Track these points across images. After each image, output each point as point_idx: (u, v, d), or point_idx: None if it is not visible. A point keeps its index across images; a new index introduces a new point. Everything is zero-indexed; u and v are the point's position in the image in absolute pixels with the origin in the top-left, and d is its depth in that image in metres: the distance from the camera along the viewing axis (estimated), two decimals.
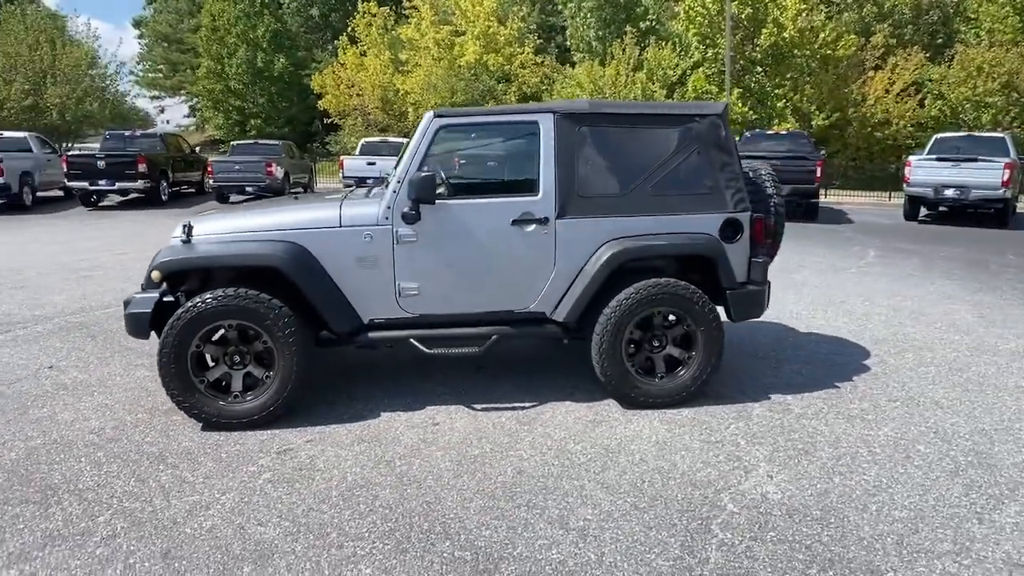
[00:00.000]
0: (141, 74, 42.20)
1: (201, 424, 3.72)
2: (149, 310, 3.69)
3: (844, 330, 5.77)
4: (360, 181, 17.04)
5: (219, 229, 3.88)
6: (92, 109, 28.12)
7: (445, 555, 2.66)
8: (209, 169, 16.83)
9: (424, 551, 2.68)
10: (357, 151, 18.76)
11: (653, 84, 23.44)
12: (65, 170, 14.97)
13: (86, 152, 16.78)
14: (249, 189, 16.13)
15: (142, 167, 15.15)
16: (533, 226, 3.93)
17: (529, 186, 3.99)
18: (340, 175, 17.67)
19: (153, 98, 41.56)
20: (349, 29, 31.58)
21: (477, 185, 4.23)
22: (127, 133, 17.44)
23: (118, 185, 15.09)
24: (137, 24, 43.97)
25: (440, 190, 3.90)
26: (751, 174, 4.54)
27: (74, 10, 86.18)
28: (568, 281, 3.98)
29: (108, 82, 30.57)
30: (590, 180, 4.00)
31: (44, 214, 14.34)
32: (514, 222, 3.91)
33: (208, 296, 3.61)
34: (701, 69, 23.45)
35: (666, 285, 3.95)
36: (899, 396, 4.26)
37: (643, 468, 3.34)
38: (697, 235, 4.06)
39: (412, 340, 3.94)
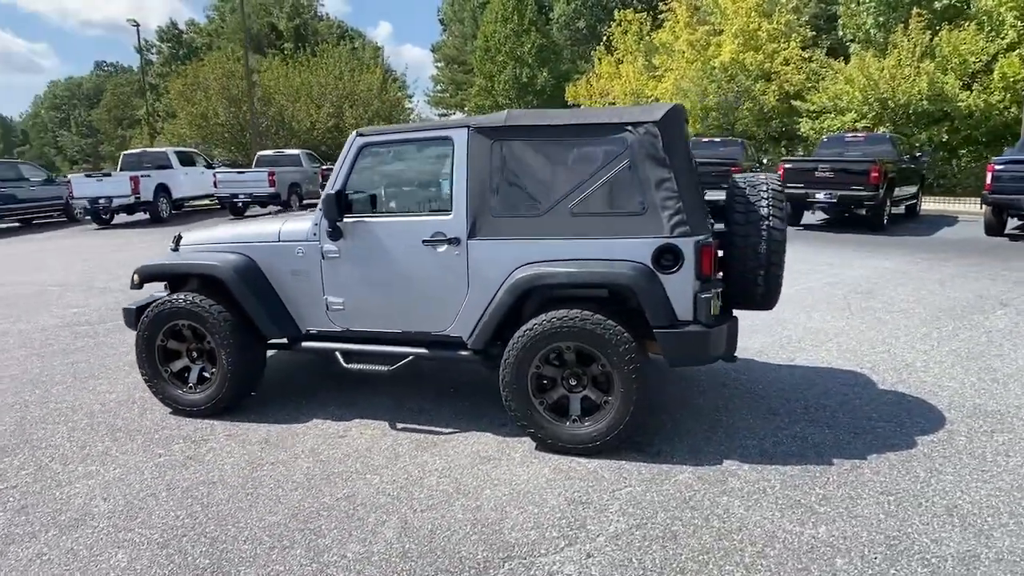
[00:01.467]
0: (431, 94, 48.04)
1: (169, 409, 4.33)
2: (134, 307, 4.39)
3: (909, 389, 4.43)
4: None
5: (196, 240, 4.45)
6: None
7: (203, 555, 2.79)
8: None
9: (185, 550, 2.84)
10: None
11: (946, 75, 19.70)
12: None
13: None
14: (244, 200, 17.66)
15: None
16: (445, 246, 3.79)
17: (443, 205, 3.86)
18: None
19: (440, 115, 46.81)
20: (605, 39, 32.26)
21: (396, 203, 4.19)
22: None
23: None
24: (434, 49, 49.99)
25: (362, 207, 3.98)
26: (747, 189, 3.79)
27: (386, 44, 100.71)
28: (483, 306, 3.75)
29: (396, 103, 35.37)
30: (505, 199, 3.72)
31: None
32: (425, 242, 3.82)
33: (166, 299, 4.19)
34: (1017, 52, 19.12)
35: (572, 318, 3.50)
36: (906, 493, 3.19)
37: (455, 516, 3.05)
38: (619, 262, 3.53)
39: (337, 352, 4.08)
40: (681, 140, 3.55)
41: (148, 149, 20.48)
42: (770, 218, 3.74)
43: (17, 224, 18.13)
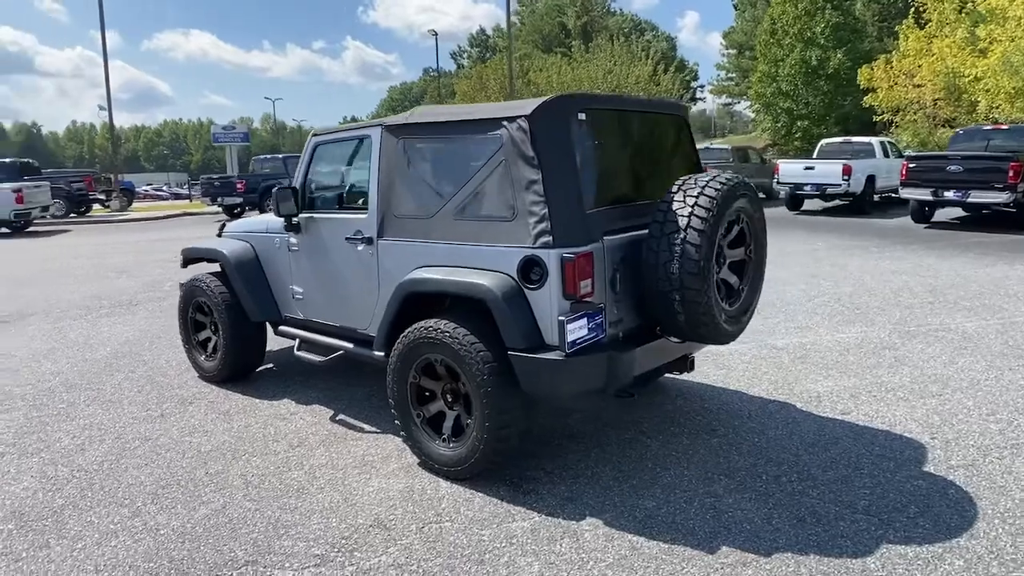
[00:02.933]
0: (715, 82, 45.80)
1: (198, 374, 5.03)
2: (181, 283, 5.14)
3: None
4: (796, 188, 15.34)
5: (233, 228, 5.04)
6: None
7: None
8: None
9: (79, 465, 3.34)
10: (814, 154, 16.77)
11: None
12: None
13: None
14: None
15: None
16: (362, 245, 3.77)
17: (364, 203, 3.83)
18: (774, 180, 16.26)
19: (724, 105, 44.51)
20: (913, 9, 27.49)
21: (335, 200, 4.19)
22: None
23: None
24: (725, 36, 47.62)
25: (323, 203, 4.14)
26: (677, 192, 3.10)
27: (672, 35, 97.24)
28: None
29: (667, 95, 34.50)
30: (407, 199, 3.56)
31: None
32: (348, 239, 3.84)
33: (192, 278, 4.85)
34: None
35: (433, 329, 3.23)
36: None
37: (262, 510, 3.05)
38: (487, 272, 3.15)
39: (298, 338, 4.33)
40: (561, 137, 3.03)
41: None
42: (686, 230, 3.00)
43: None
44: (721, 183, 3.10)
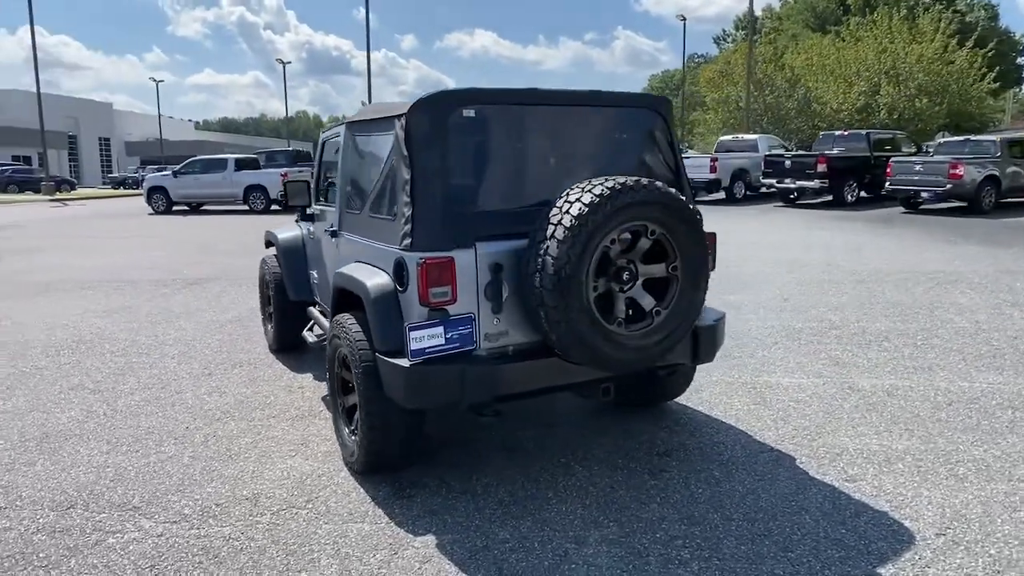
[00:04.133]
0: None
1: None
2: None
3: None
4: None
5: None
6: (922, 106, 27.80)
7: None
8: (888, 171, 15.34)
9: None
10: None
11: None
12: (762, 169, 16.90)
13: (777, 154, 17.88)
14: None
15: (821, 167, 15.41)
16: (333, 238, 3.95)
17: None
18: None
19: None
20: None
21: (331, 195, 4.30)
22: (837, 134, 17.56)
23: (797, 184, 15.90)
24: None
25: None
26: (560, 198, 2.80)
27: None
28: None
29: (961, 74, 29.08)
30: (352, 195, 3.65)
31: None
32: (326, 231, 4.04)
33: (263, 258, 5.48)
34: None
35: (337, 323, 3.29)
36: None
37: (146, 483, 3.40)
38: (374, 270, 3.13)
39: (312, 320, 4.69)
40: (434, 136, 2.87)
41: None
42: (549, 240, 2.66)
43: None
44: (607, 188, 2.69)
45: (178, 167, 20.65)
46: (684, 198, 2.87)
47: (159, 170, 25.91)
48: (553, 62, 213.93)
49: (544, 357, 2.95)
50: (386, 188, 3.18)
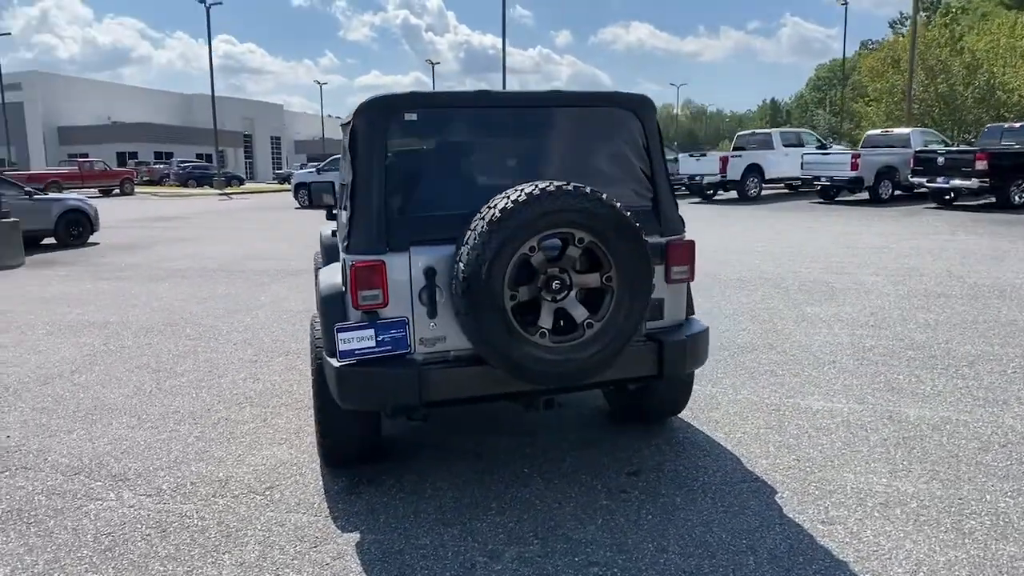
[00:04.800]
0: None
1: None
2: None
3: None
4: None
5: None
6: None
7: None
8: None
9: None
10: None
11: None
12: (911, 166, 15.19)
13: (929, 150, 15.73)
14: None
15: (981, 164, 13.59)
16: (333, 237, 4.10)
17: None
18: None
19: None
20: None
21: None
22: (1006, 126, 15.27)
23: (952, 183, 14.14)
24: None
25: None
26: (495, 202, 2.75)
27: None
28: None
29: None
30: (339, 194, 3.80)
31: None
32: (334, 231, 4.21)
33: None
34: None
35: (312, 320, 3.42)
36: None
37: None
38: (336, 270, 3.25)
39: None
40: (373, 139, 2.89)
41: (758, 130, 21.35)
42: (465, 245, 2.60)
43: None
44: (525, 194, 2.58)
45: (321, 164, 22.30)
46: (616, 205, 2.68)
47: (304, 167, 28.05)
48: (712, 53, 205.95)
49: (481, 364, 2.89)
50: (344, 191, 3.27)
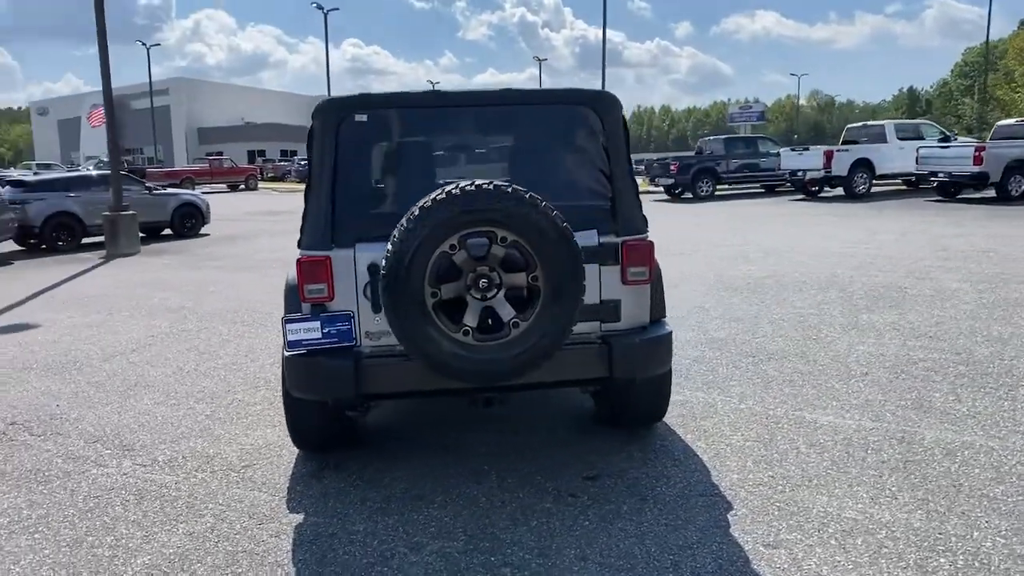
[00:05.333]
0: None
1: None
2: None
3: None
4: None
5: None
6: None
7: None
8: None
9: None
10: None
11: None
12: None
13: None
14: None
15: None
16: None
17: None
18: None
19: None
20: None
21: None
22: None
23: None
24: None
25: None
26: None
27: None
28: None
29: None
30: None
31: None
32: None
33: None
34: None
35: None
36: None
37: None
38: None
39: None
40: (325, 140, 3.03)
41: (871, 122, 19.70)
42: (391, 241, 2.67)
43: (761, 190, 21.29)
44: (445, 193, 2.59)
45: None
46: (539, 204, 2.63)
47: None
48: (846, 40, 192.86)
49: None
50: None
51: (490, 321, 2.77)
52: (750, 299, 6.83)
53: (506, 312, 2.75)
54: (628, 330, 3.13)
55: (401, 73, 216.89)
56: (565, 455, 3.54)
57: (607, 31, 31.05)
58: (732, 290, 7.28)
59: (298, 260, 2.98)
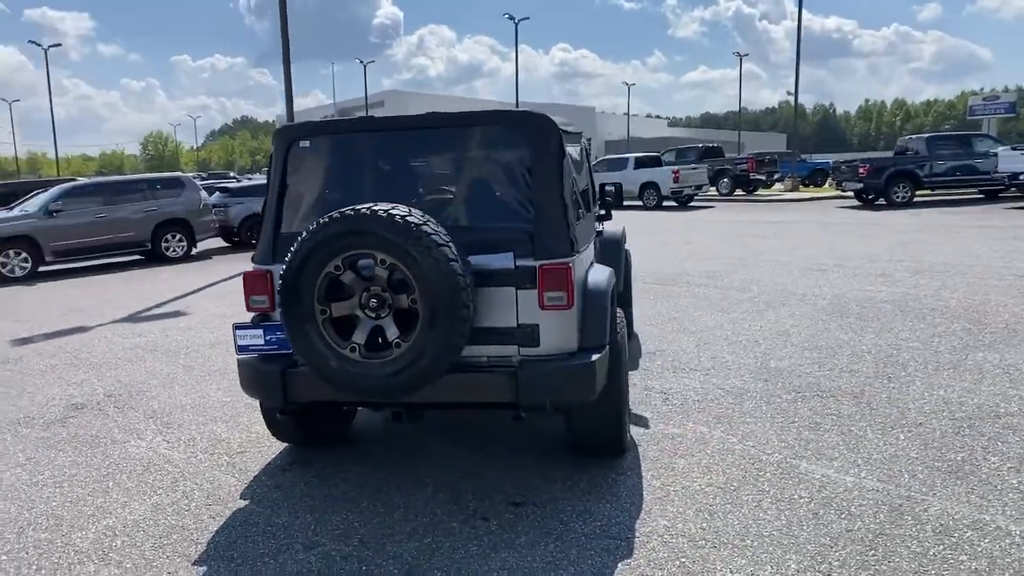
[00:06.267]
0: None
1: None
2: None
3: None
4: None
5: None
6: None
7: None
8: None
9: None
10: None
11: None
12: None
13: None
14: None
15: None
16: None
17: None
18: None
19: None
20: None
21: None
22: None
23: None
24: None
25: None
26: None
27: None
28: None
29: None
30: None
31: None
32: None
33: None
34: None
35: None
36: None
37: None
38: None
39: None
40: (277, 163, 3.34)
41: None
42: (286, 260, 2.88)
43: (979, 195, 18.32)
44: (331, 216, 2.75)
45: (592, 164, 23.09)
46: (413, 227, 2.66)
47: None
48: None
49: None
50: None
51: (380, 339, 2.88)
52: (850, 326, 6.04)
53: (392, 332, 2.85)
54: (548, 356, 3.04)
55: (609, 75, 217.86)
56: (512, 477, 3.51)
57: (834, 20, 28.37)
58: (838, 314, 6.48)
59: (244, 273, 3.32)
